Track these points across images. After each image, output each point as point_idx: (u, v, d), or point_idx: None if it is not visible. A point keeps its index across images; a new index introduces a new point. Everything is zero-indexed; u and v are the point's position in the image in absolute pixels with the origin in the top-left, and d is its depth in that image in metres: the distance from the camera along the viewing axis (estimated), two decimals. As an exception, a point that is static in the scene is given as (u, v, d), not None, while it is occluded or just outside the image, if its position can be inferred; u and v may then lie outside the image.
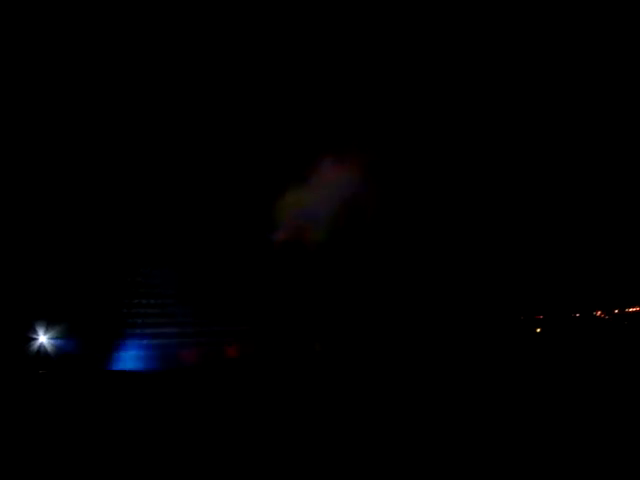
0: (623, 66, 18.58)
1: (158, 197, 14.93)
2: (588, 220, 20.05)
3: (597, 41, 18.09)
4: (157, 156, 15.05)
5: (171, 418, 8.85)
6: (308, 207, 16.52)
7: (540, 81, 18.99)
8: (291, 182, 16.49)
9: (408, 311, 18.29)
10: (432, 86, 18.39)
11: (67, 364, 12.78)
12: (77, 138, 14.33)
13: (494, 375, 12.81)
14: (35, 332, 13.08)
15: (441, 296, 19.05)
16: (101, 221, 14.02)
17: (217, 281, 15.77)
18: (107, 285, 13.87)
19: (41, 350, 12.97)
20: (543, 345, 19.81)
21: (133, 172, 14.63)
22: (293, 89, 17.44)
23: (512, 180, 19.89)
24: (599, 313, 22.26)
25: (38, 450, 6.85)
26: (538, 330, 20.88)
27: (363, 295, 17.89)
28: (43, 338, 13.02)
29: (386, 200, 17.67)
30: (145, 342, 13.98)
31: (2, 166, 13.35)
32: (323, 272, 17.98)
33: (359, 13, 17.59)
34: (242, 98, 16.79)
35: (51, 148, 14.08)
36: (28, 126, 13.93)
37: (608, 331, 20.93)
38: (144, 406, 10.24)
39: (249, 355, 15.48)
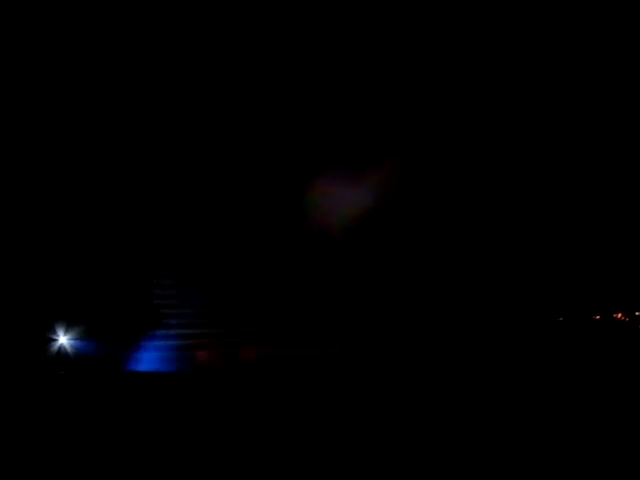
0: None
1: (179, 199, 15.02)
2: (608, 222, 19.86)
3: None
4: (181, 158, 15.17)
5: (190, 420, 8.95)
6: (327, 208, 16.56)
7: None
8: (308, 183, 16.57)
9: (426, 311, 18.25)
10: (447, 86, 18.31)
11: (87, 365, 12.91)
12: (104, 140, 14.48)
13: (512, 378, 12.78)
14: (55, 333, 13.22)
15: (459, 297, 18.97)
16: (123, 222, 14.13)
17: (237, 282, 15.82)
18: (127, 286, 13.98)
19: (61, 351, 13.11)
20: (562, 347, 19.65)
21: (155, 174, 14.74)
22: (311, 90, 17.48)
23: (533, 180, 19.75)
24: (619, 315, 21.99)
25: (57, 450, 6.95)
26: (558, 332, 20.70)
27: (383, 294, 17.87)
28: (63, 339, 13.16)
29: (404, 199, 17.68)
30: (165, 343, 14.08)
31: (29, 168, 13.51)
32: (343, 271, 17.96)
33: (370, 14, 17.63)
34: (262, 98, 16.88)
35: (80, 150, 14.24)
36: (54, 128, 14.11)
37: (629, 334, 20.69)
38: (163, 408, 10.36)
39: (269, 357, 15.52)
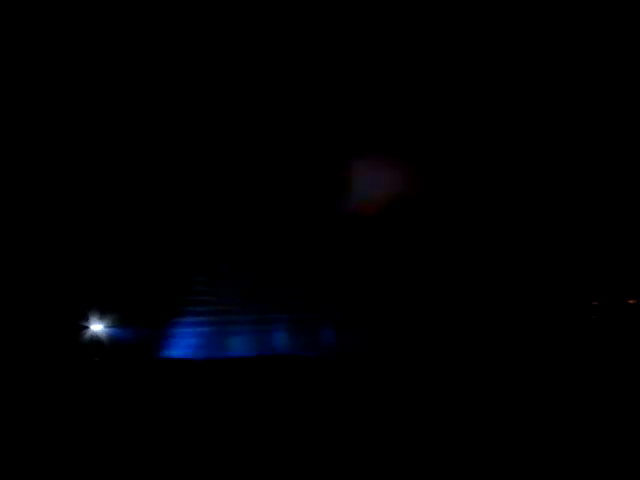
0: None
1: (212, 187, 15.01)
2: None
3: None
4: (202, 151, 15.18)
5: (220, 407, 8.92)
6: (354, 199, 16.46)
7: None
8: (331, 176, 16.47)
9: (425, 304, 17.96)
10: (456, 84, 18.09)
11: (121, 352, 13.05)
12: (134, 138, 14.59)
13: (547, 363, 12.44)
14: (89, 321, 13.39)
15: (459, 291, 18.64)
16: (157, 209, 14.17)
17: (271, 269, 15.74)
18: (161, 273, 14.04)
19: (94, 338, 13.27)
20: (598, 333, 19.15)
21: (184, 165, 14.75)
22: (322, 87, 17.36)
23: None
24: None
25: (93, 436, 6.99)
26: (593, 317, 20.18)
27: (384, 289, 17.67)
28: (97, 327, 13.31)
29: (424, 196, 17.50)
30: (199, 330, 14.14)
31: (62, 160, 13.66)
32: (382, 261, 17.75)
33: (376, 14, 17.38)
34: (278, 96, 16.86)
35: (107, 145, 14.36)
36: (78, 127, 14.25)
37: (626, 325, 20.07)
38: (197, 394, 10.39)
39: (303, 346, 15.45)
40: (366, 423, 7.32)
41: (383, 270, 18.48)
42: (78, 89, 14.38)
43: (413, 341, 16.70)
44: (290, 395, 9.63)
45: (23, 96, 13.92)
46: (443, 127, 18.33)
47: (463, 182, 18.82)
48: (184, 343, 14.00)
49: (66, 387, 10.33)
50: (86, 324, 13.30)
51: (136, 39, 14.95)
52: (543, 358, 14.59)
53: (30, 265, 13.22)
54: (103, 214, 13.62)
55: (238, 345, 14.92)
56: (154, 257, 13.98)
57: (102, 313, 13.28)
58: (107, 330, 13.43)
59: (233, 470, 5.78)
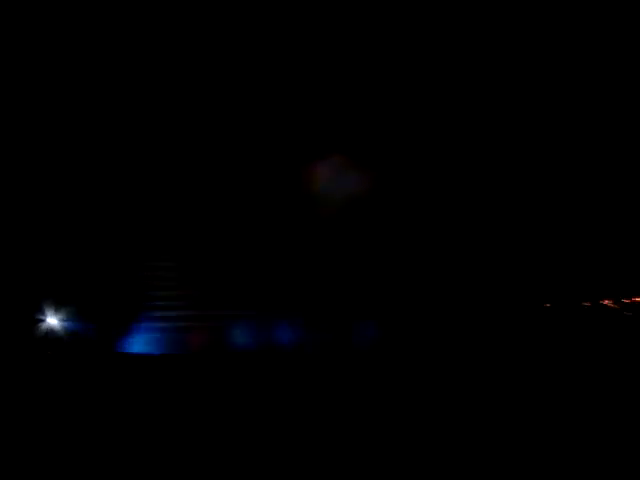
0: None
1: (172, 180, 14.79)
2: (594, 207, 19.91)
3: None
4: (168, 139, 14.96)
5: (180, 403, 8.81)
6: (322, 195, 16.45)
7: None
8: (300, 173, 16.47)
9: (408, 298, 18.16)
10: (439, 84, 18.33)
11: (76, 346, 12.76)
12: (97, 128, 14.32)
13: (497, 365, 12.70)
14: (44, 314, 13.02)
15: (444, 283, 18.89)
16: (113, 201, 13.88)
17: (229, 263, 15.59)
18: (118, 267, 13.76)
19: (49, 332, 12.92)
20: (550, 335, 19.73)
21: (145, 154, 14.48)
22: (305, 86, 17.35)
23: (512, 168, 19.87)
24: (607, 302, 22.04)
25: (43, 432, 6.80)
26: (544, 319, 20.76)
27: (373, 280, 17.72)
28: (52, 320, 12.96)
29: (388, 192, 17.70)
30: (156, 325, 13.94)
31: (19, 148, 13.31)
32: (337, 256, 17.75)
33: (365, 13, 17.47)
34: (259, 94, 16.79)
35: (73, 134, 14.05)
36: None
37: (617, 321, 20.79)
38: (154, 390, 10.23)
39: (259, 341, 15.41)
40: (352, 420, 7.33)
41: (370, 261, 18.62)
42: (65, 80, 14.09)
43: (409, 336, 16.84)
44: (248, 392, 9.63)
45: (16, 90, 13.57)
46: (434, 124, 18.50)
47: (454, 179, 19.04)
48: (145, 338, 13.80)
49: (11, 381, 10.04)
50: (41, 317, 12.94)
51: (132, 38, 14.78)
52: (538, 353, 14.96)
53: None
54: (60, 200, 13.26)
55: (204, 341, 14.79)
56: (115, 247, 13.72)
57: (59, 305, 12.94)
58: (64, 323, 13.09)
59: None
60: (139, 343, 13.64)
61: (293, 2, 16.69)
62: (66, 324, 13.01)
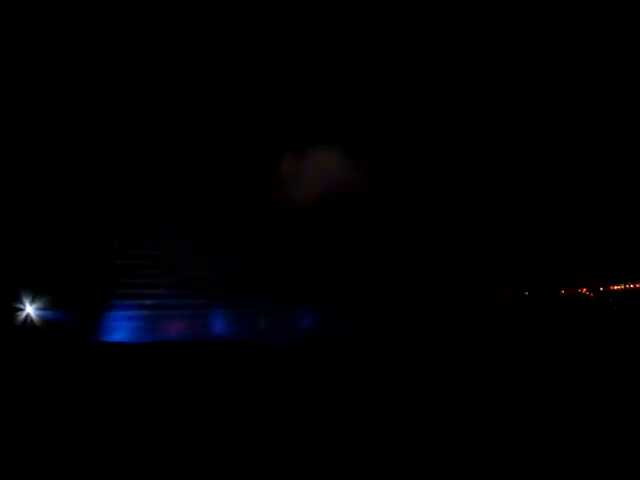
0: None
1: (148, 169, 14.99)
2: (573, 199, 20.31)
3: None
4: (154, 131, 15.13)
5: (158, 390, 9.04)
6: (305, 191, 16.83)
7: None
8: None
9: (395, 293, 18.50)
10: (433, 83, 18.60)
11: (54, 335, 12.96)
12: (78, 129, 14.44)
13: (477, 355, 13.04)
14: (22, 303, 13.21)
15: (427, 276, 19.27)
16: (89, 192, 14.06)
17: (207, 254, 15.85)
18: (96, 256, 13.98)
19: (28, 321, 13.13)
20: (528, 322, 20.07)
21: (122, 145, 14.66)
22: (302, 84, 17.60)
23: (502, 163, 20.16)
24: (584, 290, 22.53)
25: (24, 419, 7.02)
26: (523, 307, 21.14)
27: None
28: (30, 309, 13.17)
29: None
30: (133, 314, 14.18)
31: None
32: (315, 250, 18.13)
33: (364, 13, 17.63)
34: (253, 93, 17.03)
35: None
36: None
37: (594, 309, 21.21)
38: (131, 378, 10.45)
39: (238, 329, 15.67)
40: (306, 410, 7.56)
41: (342, 255, 18.93)
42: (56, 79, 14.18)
43: (391, 325, 17.13)
44: (222, 381, 9.89)
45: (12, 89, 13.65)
46: (430, 124, 18.71)
47: (448, 179, 19.33)
48: (121, 326, 14.01)
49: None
50: (19, 306, 13.14)
51: (130, 38, 14.85)
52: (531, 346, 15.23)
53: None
54: (37, 196, 13.39)
55: (178, 329, 15.04)
56: (92, 240, 13.89)
57: (35, 296, 13.13)
58: (42, 313, 13.31)
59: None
60: (116, 332, 13.92)
61: (293, 2, 16.81)
62: (44, 313, 13.24)
